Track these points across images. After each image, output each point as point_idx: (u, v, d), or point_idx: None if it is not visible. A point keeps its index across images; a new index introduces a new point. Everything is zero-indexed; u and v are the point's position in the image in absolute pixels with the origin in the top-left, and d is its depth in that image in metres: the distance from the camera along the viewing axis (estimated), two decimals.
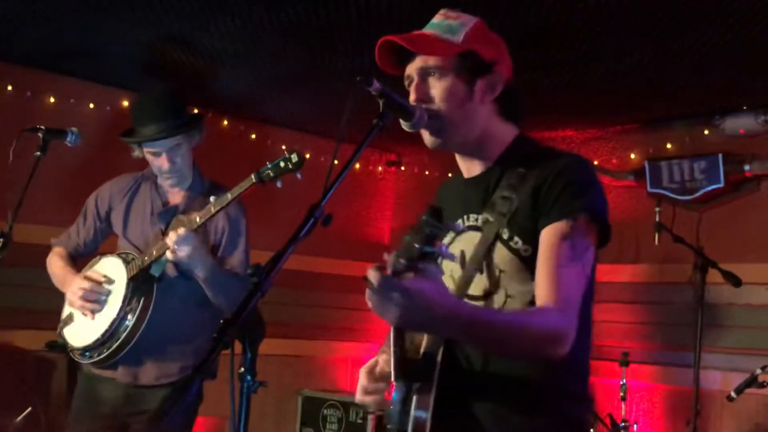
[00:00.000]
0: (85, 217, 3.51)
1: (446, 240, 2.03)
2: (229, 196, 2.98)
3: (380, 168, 7.03)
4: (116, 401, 3.25)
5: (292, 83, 5.19)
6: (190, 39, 4.41)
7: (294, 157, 2.86)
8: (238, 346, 1.56)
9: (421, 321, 1.59)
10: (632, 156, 5.80)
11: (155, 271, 3.17)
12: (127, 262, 3.24)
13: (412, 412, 1.78)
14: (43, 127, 3.02)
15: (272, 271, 1.50)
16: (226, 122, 5.99)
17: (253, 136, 6.15)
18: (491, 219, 1.92)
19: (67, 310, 3.38)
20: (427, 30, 1.98)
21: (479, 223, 1.97)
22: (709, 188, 5.29)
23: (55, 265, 3.45)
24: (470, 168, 2.06)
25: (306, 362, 6.37)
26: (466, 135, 1.97)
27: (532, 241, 1.87)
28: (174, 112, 3.29)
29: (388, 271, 1.54)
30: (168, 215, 3.33)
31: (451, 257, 1.66)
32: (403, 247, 1.56)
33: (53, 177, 4.62)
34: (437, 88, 1.93)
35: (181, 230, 3.03)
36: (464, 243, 1.99)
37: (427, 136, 1.96)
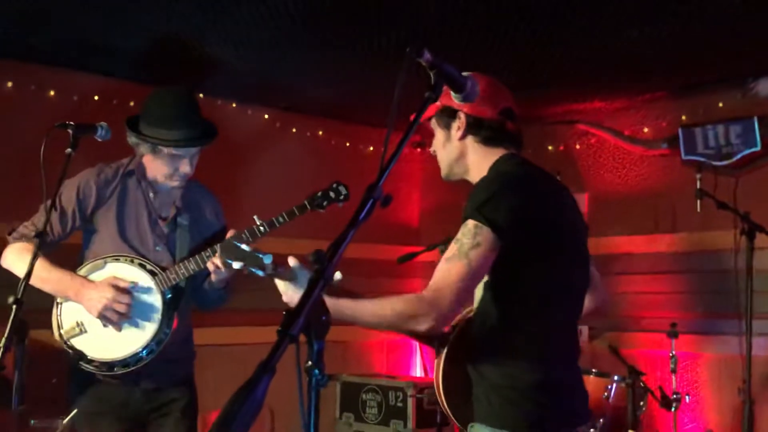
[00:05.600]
0: (63, 211, 3.21)
1: None
2: (281, 219, 3.17)
3: (406, 150, 6.93)
4: (136, 402, 3.23)
5: (316, 69, 5.10)
6: (212, 29, 4.33)
7: (342, 190, 3.25)
8: None
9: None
10: (664, 124, 5.68)
11: (183, 282, 3.22)
12: (150, 272, 3.18)
13: None
14: (72, 123, 2.93)
15: (334, 258, 1.43)
16: (251, 111, 5.92)
17: (278, 124, 6.07)
18: None
19: (73, 318, 3.17)
20: None
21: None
22: (746, 152, 5.18)
23: (42, 266, 3.05)
24: None
25: (341, 348, 6.31)
26: (452, 168, 2.58)
27: None
28: (201, 118, 3.29)
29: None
30: (173, 224, 3.33)
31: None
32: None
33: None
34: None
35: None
36: None
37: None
